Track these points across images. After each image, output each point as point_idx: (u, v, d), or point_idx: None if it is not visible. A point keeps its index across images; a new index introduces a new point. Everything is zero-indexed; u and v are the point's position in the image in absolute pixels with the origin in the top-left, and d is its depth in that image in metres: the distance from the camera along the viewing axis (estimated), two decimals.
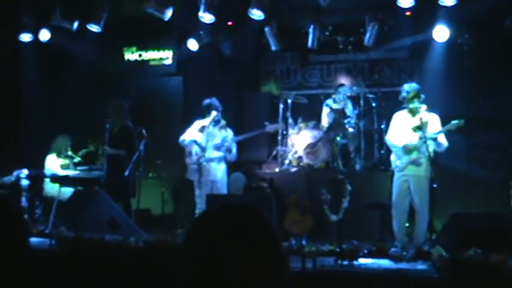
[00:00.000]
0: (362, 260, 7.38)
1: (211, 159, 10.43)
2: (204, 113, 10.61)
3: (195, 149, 10.44)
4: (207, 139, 10.42)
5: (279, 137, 11.98)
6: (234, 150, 10.69)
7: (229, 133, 10.74)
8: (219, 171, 10.61)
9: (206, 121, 10.52)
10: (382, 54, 13.25)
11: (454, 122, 8.95)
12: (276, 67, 14.28)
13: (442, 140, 9.05)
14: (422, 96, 9.08)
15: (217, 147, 10.52)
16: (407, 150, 9.08)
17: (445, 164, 10.15)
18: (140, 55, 14.04)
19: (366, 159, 11.65)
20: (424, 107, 9.03)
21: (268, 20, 12.14)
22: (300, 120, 11.82)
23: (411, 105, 9.07)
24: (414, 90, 9.12)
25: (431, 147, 9.00)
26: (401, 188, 9.15)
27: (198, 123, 10.60)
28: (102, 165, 10.93)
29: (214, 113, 10.50)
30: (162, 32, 13.37)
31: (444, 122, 9.14)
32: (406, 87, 9.30)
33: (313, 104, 12.59)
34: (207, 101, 10.65)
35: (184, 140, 10.52)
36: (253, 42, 13.33)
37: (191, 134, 10.53)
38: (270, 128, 11.20)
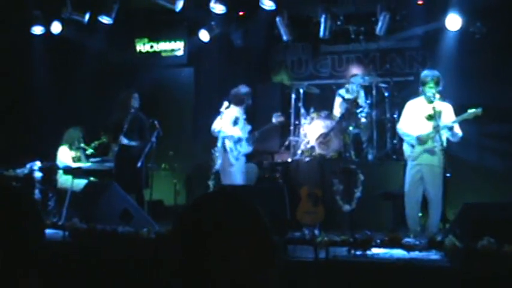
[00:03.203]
0: (375, 250, 7.36)
1: (243, 154, 10.50)
2: (241, 101, 10.55)
3: (229, 145, 10.37)
4: (243, 133, 10.47)
5: (291, 127, 11.96)
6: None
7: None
8: (245, 161, 10.72)
9: (234, 111, 10.46)
10: (394, 44, 13.19)
11: (471, 110, 8.92)
12: (287, 57, 14.25)
13: (457, 129, 9.03)
14: (441, 85, 9.05)
15: (248, 140, 10.54)
16: (421, 141, 9.06)
17: (458, 153, 10.11)
18: (152, 46, 14.07)
19: (378, 149, 11.61)
20: (438, 96, 9.00)
21: (280, 10, 12.12)
22: (312, 110, 11.79)
23: (429, 91, 9.02)
24: (436, 76, 9.08)
25: (445, 136, 8.98)
26: (414, 178, 9.15)
27: (231, 113, 10.52)
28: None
29: (250, 101, 10.56)
30: (173, 23, 13.41)
31: (457, 112, 9.11)
32: (428, 72, 9.27)
33: (325, 94, 12.54)
34: (245, 89, 10.61)
35: (224, 133, 10.43)
36: (264, 33, 13.31)
37: (230, 127, 10.44)
38: (275, 120, 11.12)
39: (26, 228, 1.97)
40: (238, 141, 10.37)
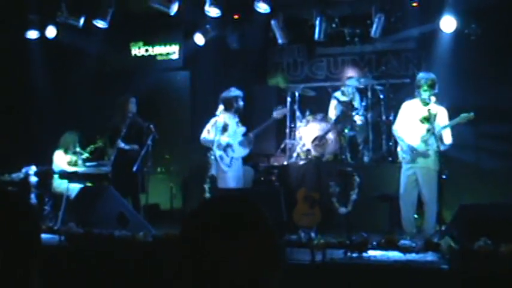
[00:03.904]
0: (371, 252, 7.35)
1: (238, 158, 10.48)
2: (230, 104, 10.54)
3: (218, 153, 10.33)
4: (234, 138, 10.44)
5: (287, 130, 11.97)
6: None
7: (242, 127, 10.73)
8: (241, 164, 10.69)
9: (222, 117, 10.44)
10: (389, 46, 13.21)
11: (464, 115, 8.96)
12: (282, 60, 14.26)
13: (446, 138, 9.06)
14: (436, 88, 9.08)
15: (241, 144, 10.52)
16: (411, 151, 9.10)
17: (454, 154, 10.12)
18: (147, 50, 14.06)
19: (374, 151, 11.62)
20: (433, 98, 9.02)
21: (275, 13, 12.11)
22: (307, 112, 11.79)
23: (423, 95, 9.06)
24: (430, 80, 9.11)
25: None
26: (409, 180, 9.17)
27: (220, 120, 10.47)
28: (110, 160, 10.92)
29: (241, 104, 10.58)
30: (168, 26, 13.39)
31: (452, 113, 9.14)
32: (423, 75, 9.30)
33: (320, 97, 12.56)
34: (234, 92, 10.60)
35: (208, 140, 10.42)
36: (259, 36, 13.34)
37: (214, 134, 10.42)
38: (277, 114, 11.14)
39: (23, 232, 1.97)
40: (227, 147, 10.34)
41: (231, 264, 1.74)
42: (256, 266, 1.77)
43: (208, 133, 10.40)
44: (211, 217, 1.83)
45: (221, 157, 10.26)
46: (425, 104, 9.05)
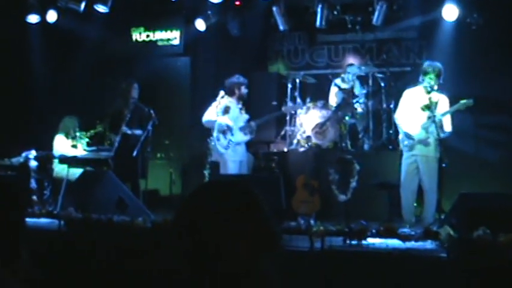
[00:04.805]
0: (370, 240, 7.35)
1: (238, 143, 10.48)
2: (232, 91, 10.57)
3: (216, 134, 10.34)
4: (234, 122, 10.45)
5: (288, 117, 11.96)
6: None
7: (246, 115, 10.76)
8: (244, 151, 10.73)
9: (225, 101, 10.46)
10: (390, 34, 13.17)
11: (463, 101, 8.97)
12: (283, 47, 14.22)
13: (447, 126, 9.06)
14: (442, 78, 9.08)
15: (242, 130, 10.53)
16: (409, 138, 9.12)
17: (454, 144, 10.12)
18: (148, 35, 14.01)
19: (374, 139, 11.63)
20: (436, 87, 9.02)
21: (276, 0, 12.08)
22: (308, 100, 11.78)
23: (429, 83, 9.04)
24: (438, 69, 9.10)
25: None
26: (409, 168, 9.18)
27: (222, 102, 10.50)
28: (110, 146, 10.90)
29: (245, 91, 10.59)
30: (169, 12, 13.36)
31: (453, 103, 9.14)
32: (431, 63, 9.29)
33: (321, 84, 12.55)
34: (237, 79, 10.63)
35: (212, 121, 10.47)
36: (261, 22, 13.31)
37: (216, 115, 10.46)
38: (286, 109, 11.27)
39: (11, 216, 1.97)
40: (226, 129, 10.35)
41: (229, 247, 1.74)
42: (253, 250, 1.77)
43: (213, 114, 10.44)
44: (209, 200, 1.83)
45: (218, 138, 10.28)
46: (428, 91, 9.04)
